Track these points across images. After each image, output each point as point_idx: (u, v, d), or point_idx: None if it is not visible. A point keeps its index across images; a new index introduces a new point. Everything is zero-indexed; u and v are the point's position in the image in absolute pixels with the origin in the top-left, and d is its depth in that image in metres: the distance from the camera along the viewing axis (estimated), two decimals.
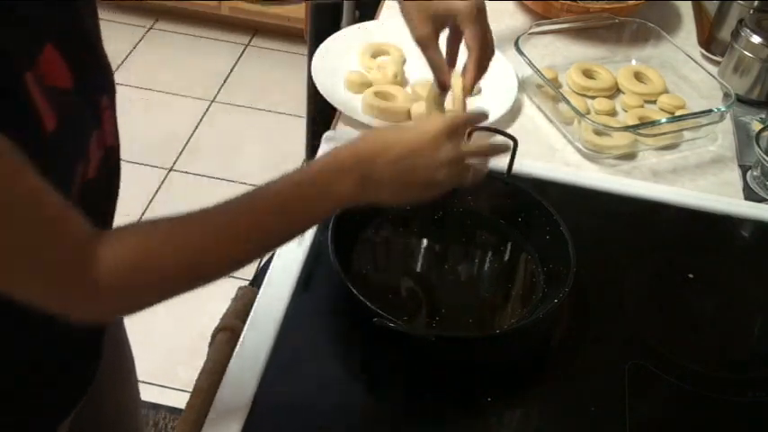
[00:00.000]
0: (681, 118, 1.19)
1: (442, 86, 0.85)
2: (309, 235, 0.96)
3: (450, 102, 0.87)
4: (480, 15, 0.84)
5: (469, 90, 0.84)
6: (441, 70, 0.84)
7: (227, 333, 0.86)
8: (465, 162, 0.75)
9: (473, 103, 1.21)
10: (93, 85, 0.67)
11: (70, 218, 0.57)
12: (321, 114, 1.50)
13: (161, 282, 0.62)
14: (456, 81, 0.84)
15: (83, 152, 0.65)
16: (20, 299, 0.56)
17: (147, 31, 3.01)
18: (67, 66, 0.61)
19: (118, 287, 0.59)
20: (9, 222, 0.53)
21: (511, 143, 0.84)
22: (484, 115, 0.81)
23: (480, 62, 0.84)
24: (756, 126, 1.24)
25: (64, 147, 0.61)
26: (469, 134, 0.97)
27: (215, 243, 0.63)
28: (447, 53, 0.87)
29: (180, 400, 1.76)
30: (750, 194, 1.12)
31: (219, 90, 2.81)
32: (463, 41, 0.86)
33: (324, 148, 1.09)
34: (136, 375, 1.07)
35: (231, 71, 2.89)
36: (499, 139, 0.84)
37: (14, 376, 0.73)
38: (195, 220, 0.63)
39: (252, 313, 0.87)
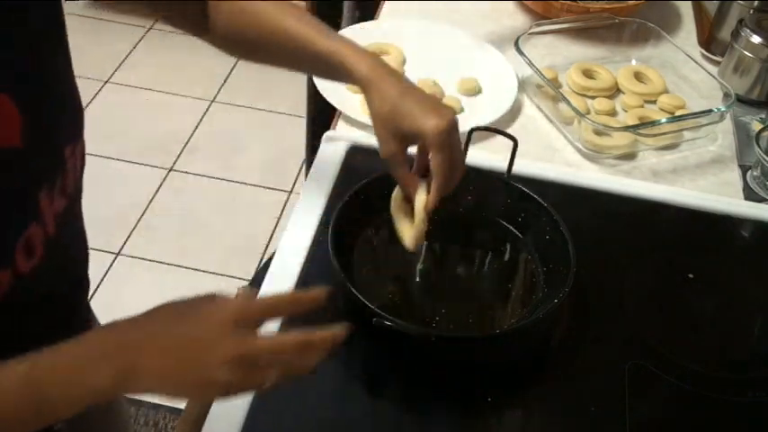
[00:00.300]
0: (681, 118, 1.19)
1: (408, 199, 0.82)
2: (309, 235, 0.96)
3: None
4: (449, 138, 0.77)
5: (430, 210, 0.81)
6: (407, 187, 0.82)
7: None
8: (258, 362, 0.59)
9: (474, 103, 1.22)
10: (54, 137, 0.63)
11: None
12: (321, 114, 1.50)
13: None
14: (419, 198, 0.81)
15: (34, 213, 0.61)
16: None
17: (147, 31, 3.01)
18: (21, 120, 0.57)
19: None
20: None
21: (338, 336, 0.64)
22: (308, 302, 0.64)
23: (442, 188, 0.79)
24: (756, 126, 1.24)
25: (6, 211, 0.58)
26: (469, 134, 0.97)
27: None
28: (417, 162, 0.83)
29: (180, 400, 1.76)
30: (750, 194, 1.12)
31: (219, 90, 2.81)
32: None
33: (324, 148, 1.09)
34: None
35: (231, 71, 2.89)
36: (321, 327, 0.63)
37: None
38: None
39: None
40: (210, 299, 0.60)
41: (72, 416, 0.57)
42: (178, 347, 0.57)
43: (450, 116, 0.78)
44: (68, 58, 0.66)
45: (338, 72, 0.82)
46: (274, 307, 0.62)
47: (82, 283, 0.82)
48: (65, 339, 0.56)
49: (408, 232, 0.84)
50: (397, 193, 0.86)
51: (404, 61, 1.27)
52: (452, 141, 0.78)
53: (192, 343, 0.57)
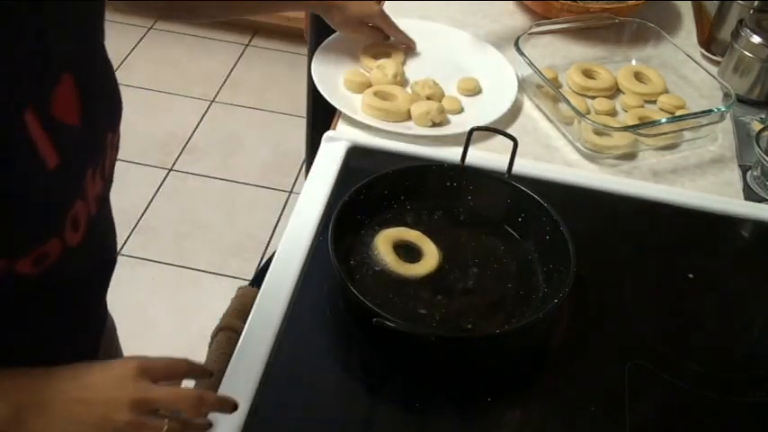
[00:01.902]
0: (681, 118, 1.19)
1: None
2: (309, 235, 0.96)
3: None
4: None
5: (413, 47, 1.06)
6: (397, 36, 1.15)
7: (227, 333, 0.87)
8: (156, 409, 0.63)
9: (474, 103, 1.22)
10: (101, 122, 0.68)
11: None
12: (321, 114, 1.50)
13: None
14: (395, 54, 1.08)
15: (80, 190, 0.64)
16: None
17: (148, 31, 3.01)
18: (80, 101, 0.61)
19: None
20: None
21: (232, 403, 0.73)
22: (202, 373, 0.74)
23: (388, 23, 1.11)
24: (756, 126, 1.24)
25: (64, 184, 0.61)
26: (469, 134, 0.97)
27: None
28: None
29: None
30: (750, 194, 1.12)
31: (219, 90, 2.81)
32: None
33: (324, 148, 1.09)
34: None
35: (231, 71, 2.90)
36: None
37: None
38: None
39: (252, 313, 0.87)
40: (115, 361, 0.65)
41: None
42: (84, 387, 0.62)
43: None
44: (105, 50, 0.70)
45: None
46: (172, 367, 0.67)
47: (111, 266, 0.84)
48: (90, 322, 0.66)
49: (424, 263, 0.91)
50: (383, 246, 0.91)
51: (404, 61, 1.27)
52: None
53: (97, 385, 0.62)
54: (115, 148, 0.73)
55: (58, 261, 0.63)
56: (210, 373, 0.75)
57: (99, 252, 0.76)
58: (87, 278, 0.75)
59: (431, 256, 0.92)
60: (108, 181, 0.73)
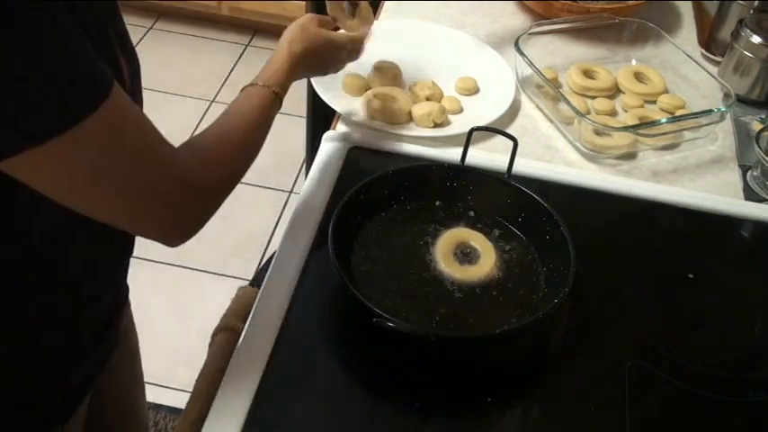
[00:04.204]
0: (681, 118, 1.19)
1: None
2: (309, 235, 0.96)
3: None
4: None
5: None
6: None
7: (227, 333, 0.87)
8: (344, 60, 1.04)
9: (473, 103, 1.22)
10: (137, 92, 0.78)
11: (165, 142, 0.72)
12: (321, 114, 1.50)
13: (234, 167, 0.81)
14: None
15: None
16: (127, 224, 0.69)
17: (148, 32, 3.01)
18: (127, 72, 0.72)
19: (212, 178, 0.75)
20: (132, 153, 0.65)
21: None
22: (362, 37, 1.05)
23: None
24: (756, 126, 1.24)
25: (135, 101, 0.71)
26: (469, 134, 0.97)
27: (253, 135, 0.86)
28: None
29: (180, 400, 1.77)
30: (750, 194, 1.12)
31: (219, 90, 2.81)
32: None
33: (324, 148, 1.09)
34: (143, 378, 1.09)
35: (231, 71, 2.90)
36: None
37: (38, 359, 0.75)
38: (238, 123, 0.84)
39: (252, 313, 0.87)
40: (331, 37, 0.98)
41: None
42: (323, 59, 0.99)
43: None
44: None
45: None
46: (361, 39, 1.05)
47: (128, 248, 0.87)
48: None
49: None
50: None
51: (399, 74, 1.25)
52: None
53: (329, 57, 1.00)
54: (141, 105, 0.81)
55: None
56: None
57: None
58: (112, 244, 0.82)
59: (486, 260, 0.93)
60: None
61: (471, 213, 0.99)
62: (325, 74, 1.03)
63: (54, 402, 0.80)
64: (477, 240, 0.95)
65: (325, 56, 0.98)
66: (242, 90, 0.90)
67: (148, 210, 0.68)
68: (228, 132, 0.82)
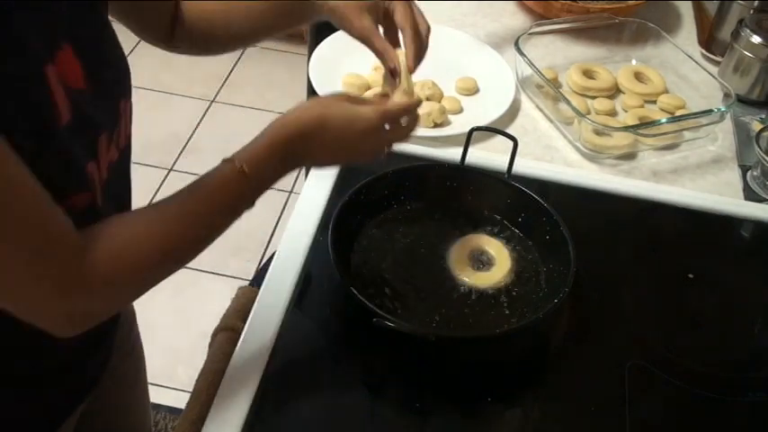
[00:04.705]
0: (681, 118, 1.19)
1: (392, 72, 0.84)
2: (309, 235, 0.96)
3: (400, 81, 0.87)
4: None
5: (412, 68, 0.85)
6: (388, 56, 0.84)
7: (227, 333, 0.86)
8: (386, 146, 0.81)
9: (473, 103, 1.22)
10: (111, 87, 0.70)
11: (56, 215, 0.58)
12: None
13: (145, 268, 0.64)
14: (401, 60, 0.84)
15: (93, 152, 0.65)
16: (8, 308, 0.58)
17: None
18: (82, 67, 0.63)
19: (108, 278, 0.61)
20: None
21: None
22: (415, 103, 0.82)
23: (416, 41, 0.84)
24: (756, 126, 1.24)
25: (75, 142, 0.62)
26: (469, 134, 0.97)
27: (190, 229, 0.67)
28: (386, 40, 0.87)
29: (180, 400, 1.77)
30: (750, 194, 1.12)
31: (219, 90, 2.81)
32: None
33: None
34: (146, 378, 1.07)
35: (231, 71, 2.89)
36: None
37: (18, 373, 0.74)
38: (171, 208, 0.67)
39: (252, 313, 0.87)
40: (354, 110, 0.76)
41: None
42: (337, 140, 0.75)
43: None
44: (110, 22, 0.72)
45: (290, 2, 0.86)
46: (401, 113, 0.80)
47: None
48: None
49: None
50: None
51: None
52: None
53: (347, 138, 0.76)
54: (129, 118, 0.74)
55: (83, 219, 0.64)
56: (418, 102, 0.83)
57: None
58: None
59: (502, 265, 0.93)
60: (123, 153, 0.73)
61: (472, 214, 0.99)
62: (362, 161, 0.81)
63: (34, 418, 0.78)
64: (493, 247, 0.95)
65: (349, 138, 0.76)
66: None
67: (23, 294, 0.58)
68: (160, 222, 0.66)
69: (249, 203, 0.71)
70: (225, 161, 0.70)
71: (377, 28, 0.84)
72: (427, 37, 0.86)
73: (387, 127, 0.78)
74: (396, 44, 0.86)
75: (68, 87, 0.60)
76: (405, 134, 0.81)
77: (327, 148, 0.75)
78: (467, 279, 0.91)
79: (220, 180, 0.69)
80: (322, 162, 0.80)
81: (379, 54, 0.84)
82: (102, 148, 0.67)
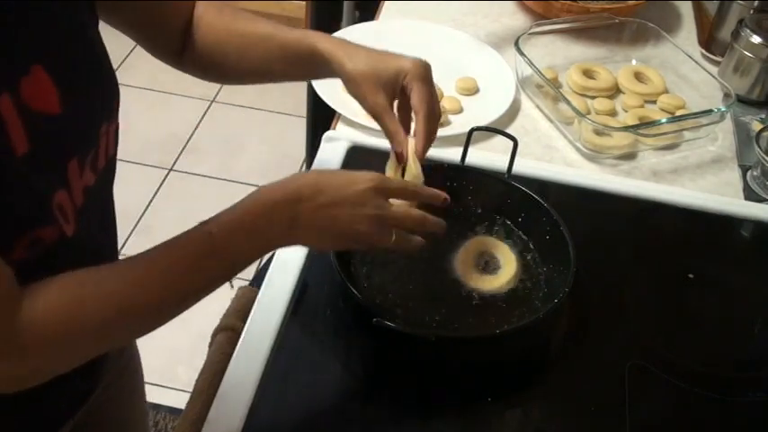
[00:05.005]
0: (681, 118, 1.19)
1: (399, 157, 0.82)
2: None
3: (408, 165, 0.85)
4: (428, 72, 0.82)
5: (421, 154, 0.81)
6: (397, 140, 0.81)
7: (227, 333, 0.87)
8: (388, 224, 0.73)
9: (473, 103, 1.22)
10: (91, 111, 0.66)
11: None
12: (321, 114, 1.50)
13: (92, 330, 0.60)
14: (410, 145, 0.82)
15: (62, 180, 0.63)
16: None
17: None
18: (57, 90, 0.60)
19: (45, 341, 0.56)
20: None
21: (444, 226, 0.79)
22: (430, 196, 0.78)
23: (428, 126, 0.81)
24: (756, 126, 1.24)
25: (36, 174, 0.59)
26: (469, 134, 0.97)
27: (145, 293, 0.62)
28: (398, 120, 0.84)
29: (180, 400, 1.76)
30: (750, 194, 1.12)
31: (219, 90, 2.81)
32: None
33: (324, 148, 1.09)
34: (143, 392, 1.06)
35: None
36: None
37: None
38: (126, 270, 0.62)
39: (252, 313, 0.87)
40: (352, 173, 0.72)
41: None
42: (329, 204, 0.69)
43: (420, 57, 0.83)
44: (101, 40, 0.69)
45: (307, 55, 0.83)
46: (403, 189, 0.77)
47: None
48: None
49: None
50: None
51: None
52: (431, 76, 0.82)
53: (345, 201, 0.69)
54: (113, 140, 0.71)
55: (55, 249, 0.62)
56: (444, 199, 0.78)
57: (94, 247, 0.74)
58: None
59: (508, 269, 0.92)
60: (102, 176, 0.70)
61: (472, 214, 0.99)
62: (361, 240, 0.72)
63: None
64: (501, 251, 0.94)
65: (346, 202, 0.69)
66: None
67: None
68: (116, 280, 0.61)
69: (219, 269, 0.66)
70: (197, 227, 0.66)
71: (391, 105, 0.82)
72: (438, 122, 0.83)
73: (392, 204, 0.73)
74: (407, 123, 0.84)
75: (33, 114, 0.58)
76: (411, 222, 0.75)
77: (320, 215, 0.68)
78: (471, 282, 0.90)
79: (185, 239, 0.65)
80: (310, 234, 0.70)
81: (388, 135, 0.82)
82: (72, 175, 0.64)
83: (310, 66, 0.84)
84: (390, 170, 0.84)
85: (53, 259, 0.62)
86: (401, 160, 0.82)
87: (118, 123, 0.72)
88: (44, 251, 0.62)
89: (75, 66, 0.64)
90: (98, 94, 0.68)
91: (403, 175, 0.83)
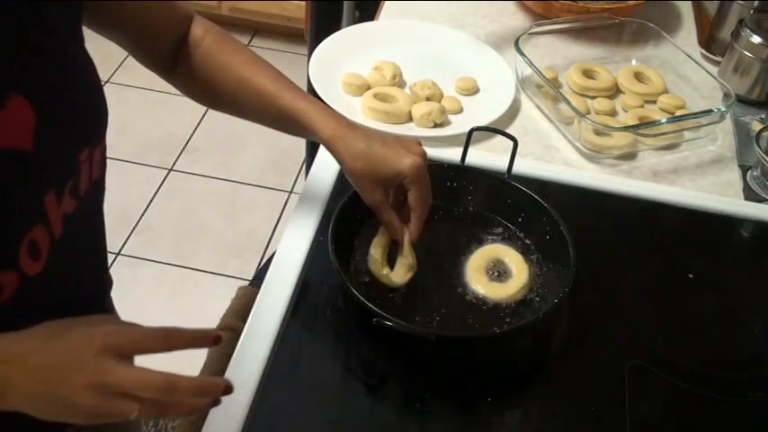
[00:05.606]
0: (681, 118, 1.19)
1: (396, 243, 0.88)
2: (309, 235, 0.96)
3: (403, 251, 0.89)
4: (424, 171, 0.84)
5: (416, 242, 0.87)
6: (394, 231, 0.87)
7: (227, 333, 0.87)
8: (114, 393, 0.55)
9: (473, 103, 1.22)
10: (68, 140, 0.64)
11: None
12: None
13: None
14: (405, 236, 0.88)
15: (39, 214, 0.61)
16: None
17: None
18: (36, 123, 0.58)
19: None
20: None
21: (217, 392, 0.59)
22: (188, 344, 0.60)
23: (423, 218, 0.86)
24: (756, 126, 1.24)
25: (7, 213, 0.58)
26: (469, 134, 0.97)
27: None
28: (393, 207, 0.88)
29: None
30: (750, 194, 1.12)
31: None
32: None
33: (323, 149, 1.09)
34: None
35: None
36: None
37: None
38: None
39: (252, 313, 0.87)
40: (89, 321, 0.59)
41: None
42: (46, 367, 0.56)
43: (420, 150, 0.85)
44: (88, 60, 0.67)
45: (302, 129, 0.85)
46: (143, 343, 0.58)
47: (98, 286, 0.81)
48: None
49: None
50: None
51: (399, 74, 1.24)
52: (427, 177, 0.85)
53: (58, 364, 0.56)
54: (98, 163, 0.69)
55: (17, 294, 0.60)
56: (217, 337, 0.61)
57: (74, 274, 0.71)
58: (64, 303, 0.68)
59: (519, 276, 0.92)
60: (85, 199, 0.68)
61: (472, 214, 0.99)
62: (77, 419, 0.57)
63: None
64: (514, 260, 0.94)
65: (47, 369, 0.56)
66: None
67: None
68: None
69: None
70: None
71: (388, 199, 0.86)
72: (427, 210, 0.87)
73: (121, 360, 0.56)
74: (400, 211, 0.88)
75: (2, 153, 0.56)
76: (151, 389, 0.56)
77: (32, 378, 0.55)
78: (480, 288, 0.90)
79: None
80: (23, 401, 0.56)
81: (385, 225, 0.88)
82: (50, 207, 0.62)
83: (306, 136, 0.88)
84: (378, 248, 0.89)
85: (18, 305, 0.60)
86: (397, 244, 0.88)
87: (105, 146, 0.70)
88: (7, 298, 0.59)
89: (57, 92, 0.62)
90: (78, 121, 0.65)
91: (394, 261, 0.89)
